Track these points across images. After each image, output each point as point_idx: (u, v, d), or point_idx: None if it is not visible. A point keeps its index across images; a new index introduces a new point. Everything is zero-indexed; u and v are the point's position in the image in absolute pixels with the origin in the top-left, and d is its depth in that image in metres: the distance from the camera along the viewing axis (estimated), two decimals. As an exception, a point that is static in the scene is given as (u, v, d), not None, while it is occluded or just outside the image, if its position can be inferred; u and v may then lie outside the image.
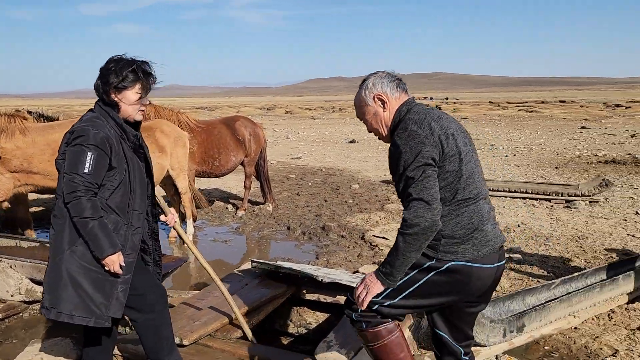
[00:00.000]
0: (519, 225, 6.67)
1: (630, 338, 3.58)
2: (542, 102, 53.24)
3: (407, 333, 3.17)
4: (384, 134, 2.24)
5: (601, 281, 4.11)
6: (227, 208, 8.20)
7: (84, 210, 2.24)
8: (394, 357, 2.16)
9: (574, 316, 3.79)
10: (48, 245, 2.87)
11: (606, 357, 3.34)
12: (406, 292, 2.10)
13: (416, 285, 2.09)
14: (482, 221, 2.07)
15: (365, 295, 2.10)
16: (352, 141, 18.66)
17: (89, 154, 2.25)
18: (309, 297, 3.79)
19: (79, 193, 2.24)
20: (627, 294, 4.12)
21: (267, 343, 3.47)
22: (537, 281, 4.63)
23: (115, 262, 2.30)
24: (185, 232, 5.05)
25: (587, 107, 41.45)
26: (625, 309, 4.06)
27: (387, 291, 2.10)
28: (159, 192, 3.03)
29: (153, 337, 2.58)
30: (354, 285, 2.20)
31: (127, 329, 3.54)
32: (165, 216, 2.87)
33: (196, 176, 7.27)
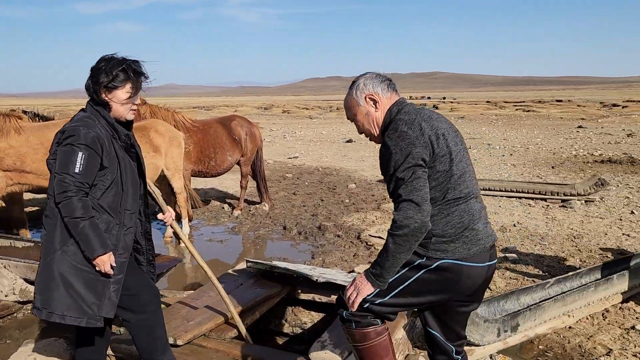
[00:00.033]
0: (514, 225, 6.68)
1: (624, 337, 3.59)
2: (540, 102, 53.36)
3: (402, 333, 3.17)
4: (375, 134, 2.24)
5: (596, 280, 4.12)
6: (223, 208, 8.19)
7: (74, 210, 2.23)
8: None
9: (569, 315, 3.80)
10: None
11: (600, 356, 3.34)
12: (397, 290, 2.10)
13: (407, 283, 2.10)
14: (473, 220, 2.08)
15: (356, 296, 2.10)
16: (349, 141, 18.67)
17: (80, 154, 2.25)
18: (304, 296, 3.79)
19: (70, 193, 2.23)
20: (622, 293, 4.13)
21: (263, 343, 3.47)
22: (533, 280, 4.64)
23: (105, 262, 2.29)
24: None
25: (584, 106, 41.55)
26: (620, 308, 4.07)
27: (378, 289, 2.10)
28: (158, 190, 3.02)
29: (146, 337, 2.58)
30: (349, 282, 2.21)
31: (122, 329, 3.53)
32: (163, 214, 2.87)
33: (192, 176, 7.26)
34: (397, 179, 1.98)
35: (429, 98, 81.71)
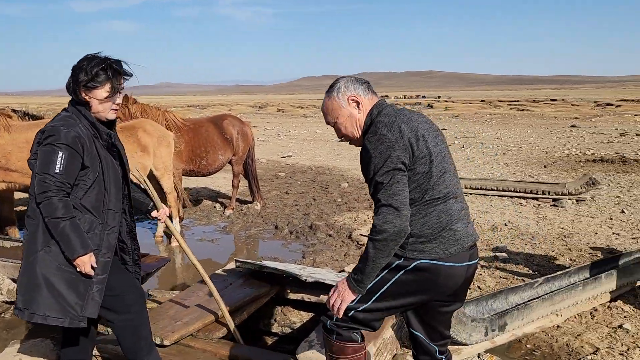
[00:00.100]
0: (505, 224, 6.70)
1: (611, 336, 3.61)
2: (534, 101, 53.54)
3: (390, 332, 3.17)
4: (357, 136, 2.23)
5: (584, 280, 4.14)
6: (215, 207, 8.18)
7: (55, 211, 2.21)
8: None
9: (557, 314, 3.81)
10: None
11: (587, 355, 3.35)
12: (378, 294, 2.10)
13: (386, 286, 2.10)
14: (451, 221, 2.08)
15: (340, 303, 2.11)
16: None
17: (60, 154, 2.23)
18: (293, 296, 3.79)
19: (50, 193, 2.21)
20: (610, 292, 4.15)
21: (252, 343, 3.46)
22: (522, 280, 4.65)
23: (86, 263, 2.28)
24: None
25: (577, 105, 41.73)
26: (608, 307, 4.08)
27: (359, 295, 2.11)
28: (153, 187, 3.01)
29: (131, 337, 2.56)
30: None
31: (109, 330, 3.51)
32: (158, 211, 2.85)
33: (184, 175, 7.24)
34: (377, 183, 1.98)
35: (423, 97, 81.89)
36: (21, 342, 3.26)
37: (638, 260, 4.53)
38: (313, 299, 3.70)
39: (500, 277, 4.80)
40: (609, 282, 4.10)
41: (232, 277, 3.95)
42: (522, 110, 37.27)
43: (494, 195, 8.39)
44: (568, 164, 11.82)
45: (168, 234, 6.46)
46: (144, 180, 3.02)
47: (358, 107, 2.20)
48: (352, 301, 2.11)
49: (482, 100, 57.95)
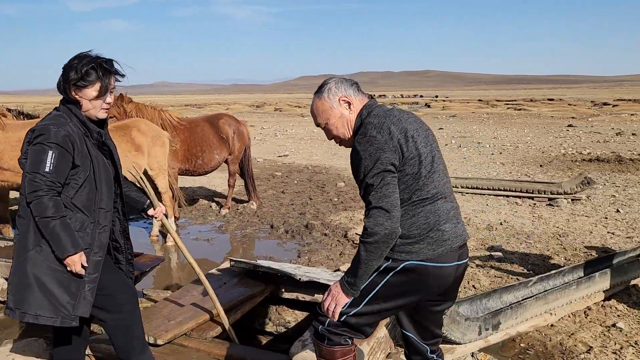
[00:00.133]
0: (501, 223, 6.71)
1: (604, 335, 3.62)
2: (531, 100, 53.60)
3: (384, 331, 3.17)
4: (348, 137, 2.22)
5: (578, 279, 4.15)
6: (211, 206, 8.17)
7: (45, 210, 2.21)
8: None
9: (551, 313, 3.82)
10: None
11: (580, 353, 3.36)
12: (369, 297, 2.10)
13: (377, 289, 2.10)
14: (439, 221, 2.07)
15: (335, 306, 2.11)
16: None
17: (50, 153, 2.22)
18: (288, 295, 3.78)
19: (41, 192, 2.21)
20: (604, 291, 4.16)
21: (247, 342, 3.46)
22: (517, 279, 4.65)
23: (76, 262, 2.27)
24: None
25: (574, 105, 41.78)
26: (602, 306, 4.09)
27: (352, 298, 2.11)
28: (150, 185, 3.00)
29: (123, 337, 2.56)
30: (332, 284, 2.22)
31: (102, 329, 3.51)
32: (154, 209, 2.84)
33: (179, 174, 7.23)
34: (367, 185, 1.98)
35: (421, 96, 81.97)
36: (14, 341, 3.24)
37: (632, 259, 4.55)
38: (307, 298, 3.69)
39: (495, 276, 4.81)
40: (602, 281, 4.11)
41: (227, 276, 3.94)
42: (519, 109, 37.30)
43: (489, 195, 8.40)
44: (564, 164, 11.84)
45: (163, 233, 6.46)
46: (141, 178, 3.01)
47: (349, 107, 2.19)
48: (344, 305, 2.10)
49: (479, 100, 58.00)
